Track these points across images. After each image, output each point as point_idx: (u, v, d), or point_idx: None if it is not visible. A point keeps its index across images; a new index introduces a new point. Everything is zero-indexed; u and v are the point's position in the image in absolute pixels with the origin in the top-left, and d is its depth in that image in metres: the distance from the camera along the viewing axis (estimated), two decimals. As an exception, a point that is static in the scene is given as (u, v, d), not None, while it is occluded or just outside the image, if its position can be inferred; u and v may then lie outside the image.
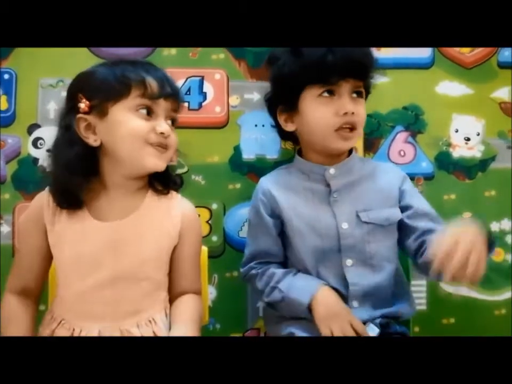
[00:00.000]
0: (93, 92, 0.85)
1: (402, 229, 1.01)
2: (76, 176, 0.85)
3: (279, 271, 0.99)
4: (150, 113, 0.86)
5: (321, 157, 1.02)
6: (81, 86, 0.87)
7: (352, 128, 0.97)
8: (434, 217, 1.00)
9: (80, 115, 0.85)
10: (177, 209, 0.93)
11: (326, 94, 0.96)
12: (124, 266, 0.87)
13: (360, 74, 0.97)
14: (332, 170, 1.01)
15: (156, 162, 0.87)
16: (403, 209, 1.01)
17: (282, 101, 1.03)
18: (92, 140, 0.86)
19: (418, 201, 1.03)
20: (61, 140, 0.88)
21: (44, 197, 0.91)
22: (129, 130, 0.84)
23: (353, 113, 0.95)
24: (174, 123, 0.92)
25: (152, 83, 0.85)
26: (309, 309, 0.93)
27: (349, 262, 0.97)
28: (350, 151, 1.05)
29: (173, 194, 0.95)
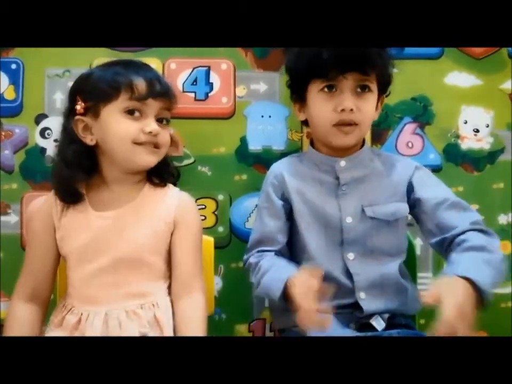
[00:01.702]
0: (88, 94, 0.91)
1: (419, 222, 1.00)
2: (75, 171, 0.91)
3: (265, 262, 0.96)
4: (139, 113, 0.90)
5: (330, 149, 1.01)
6: (80, 88, 0.93)
7: (352, 124, 0.95)
8: (449, 205, 0.96)
9: (77, 116, 0.91)
10: (173, 198, 0.96)
11: (326, 89, 0.95)
12: (123, 251, 0.91)
13: (360, 68, 0.93)
14: (342, 163, 1.00)
15: (146, 160, 0.92)
16: (414, 203, 0.99)
17: (293, 91, 1.04)
18: (89, 140, 0.92)
19: (430, 191, 0.98)
20: (62, 139, 0.94)
21: (52, 197, 0.95)
22: (118, 132, 0.89)
23: (352, 110, 0.93)
24: (166, 121, 0.95)
25: (140, 85, 0.89)
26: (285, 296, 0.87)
27: (350, 255, 0.96)
28: (363, 143, 1.03)
29: (170, 186, 0.99)
